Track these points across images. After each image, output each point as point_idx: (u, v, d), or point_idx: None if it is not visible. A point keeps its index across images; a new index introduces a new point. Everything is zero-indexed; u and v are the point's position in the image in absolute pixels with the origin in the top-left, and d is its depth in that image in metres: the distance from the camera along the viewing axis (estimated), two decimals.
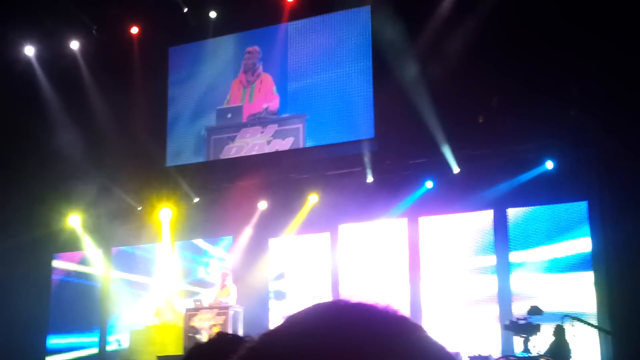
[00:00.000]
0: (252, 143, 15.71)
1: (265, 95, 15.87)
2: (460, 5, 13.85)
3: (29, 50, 16.80)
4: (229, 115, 16.07)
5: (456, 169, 13.91)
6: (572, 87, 12.87)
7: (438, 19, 14.04)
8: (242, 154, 15.71)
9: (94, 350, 16.61)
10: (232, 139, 15.90)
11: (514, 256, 13.49)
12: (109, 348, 16.44)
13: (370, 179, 14.66)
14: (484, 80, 13.34)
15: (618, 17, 12.41)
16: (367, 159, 14.52)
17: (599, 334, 12.19)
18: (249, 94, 16.03)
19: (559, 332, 11.29)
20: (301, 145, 15.24)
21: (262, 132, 15.69)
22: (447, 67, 13.55)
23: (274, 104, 15.72)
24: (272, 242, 15.50)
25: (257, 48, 16.06)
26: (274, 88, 15.80)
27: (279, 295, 15.20)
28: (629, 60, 12.19)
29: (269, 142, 15.58)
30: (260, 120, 15.77)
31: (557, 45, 12.78)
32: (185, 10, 16.03)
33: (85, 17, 16.08)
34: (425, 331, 0.91)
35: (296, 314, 0.93)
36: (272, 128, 15.61)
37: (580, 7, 12.66)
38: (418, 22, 14.08)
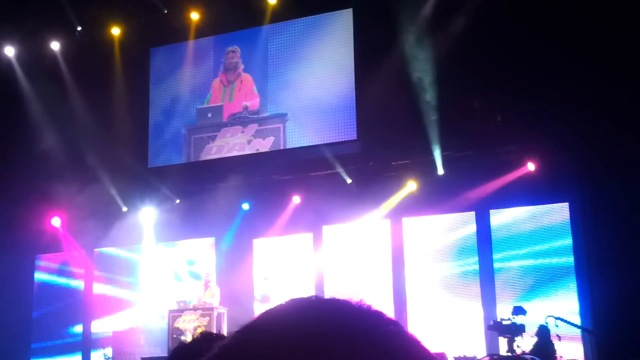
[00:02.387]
0: (232, 142, 15.74)
1: (246, 94, 15.90)
2: (442, 7, 13.93)
3: (9, 51, 16.68)
4: (209, 115, 16.08)
5: (441, 171, 14.04)
6: (551, 90, 13.01)
7: (421, 20, 14.14)
8: (223, 153, 15.74)
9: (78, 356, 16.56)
10: (213, 138, 15.93)
11: (497, 257, 13.65)
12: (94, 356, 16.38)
13: (348, 180, 14.76)
14: (466, 82, 13.46)
15: (599, 20, 12.56)
16: (342, 161, 14.63)
17: (582, 334, 12.37)
18: (229, 94, 16.06)
19: (543, 332, 11.43)
20: (282, 145, 15.29)
21: (242, 132, 15.72)
22: (430, 68, 13.68)
23: (254, 103, 15.76)
24: (256, 242, 15.54)
25: (237, 48, 16.09)
26: (254, 88, 15.83)
27: (263, 296, 15.27)
28: (611, 63, 12.36)
29: (249, 142, 15.62)
30: (240, 119, 15.80)
31: (538, 47, 12.93)
32: (165, 12, 15.99)
33: (71, 16, 15.96)
34: (400, 326, 0.91)
35: (269, 310, 0.93)
36: (253, 127, 15.65)
37: (562, 9, 12.81)
38: (401, 24, 14.16)
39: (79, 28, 16.38)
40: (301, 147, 15.10)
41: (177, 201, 16.02)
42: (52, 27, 16.42)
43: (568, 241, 13.12)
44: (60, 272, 17.15)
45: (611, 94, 12.41)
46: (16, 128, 16.55)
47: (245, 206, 15.57)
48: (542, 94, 13.03)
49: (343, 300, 0.92)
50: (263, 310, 0.95)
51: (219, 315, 13.83)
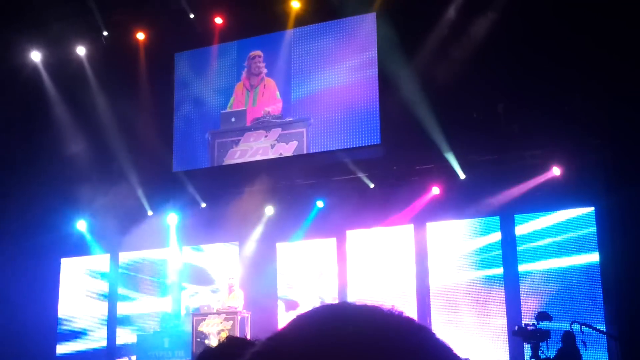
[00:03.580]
0: (256, 147, 15.78)
1: (269, 99, 15.93)
2: (466, 11, 13.91)
3: (36, 56, 16.84)
4: (233, 119, 16.13)
5: (462, 175, 13.98)
6: (576, 93, 12.94)
7: (444, 24, 14.12)
8: (246, 157, 15.77)
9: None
10: (236, 142, 15.98)
11: (521, 261, 13.53)
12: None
13: (371, 185, 14.74)
14: (490, 86, 13.43)
15: (623, 24, 12.48)
16: (366, 166, 14.63)
17: (607, 340, 12.27)
18: (253, 98, 16.09)
19: (568, 338, 11.35)
20: (305, 150, 15.29)
21: (265, 136, 15.75)
22: (454, 72, 13.62)
23: (277, 108, 15.79)
24: (280, 246, 15.57)
25: (260, 52, 16.12)
26: (277, 92, 15.86)
27: (287, 300, 15.29)
28: (635, 65, 12.28)
29: (272, 146, 15.64)
30: (263, 124, 15.83)
31: (563, 51, 12.86)
32: (192, 16, 16.06)
33: (97, 21, 16.09)
34: (432, 332, 0.91)
35: (302, 315, 0.93)
36: (276, 132, 15.68)
37: (585, 14, 12.74)
38: (424, 28, 14.15)
39: (105, 33, 16.49)
40: (324, 151, 15.09)
41: (203, 205, 16.05)
42: (78, 32, 16.56)
43: (594, 247, 12.98)
44: (86, 276, 17.25)
45: (637, 96, 12.31)
46: (42, 132, 16.73)
47: (269, 210, 15.59)
48: (567, 97, 12.95)
49: (374, 307, 0.93)
50: (292, 316, 0.94)
51: (243, 319, 13.87)
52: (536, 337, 11.35)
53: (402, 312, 0.93)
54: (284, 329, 0.92)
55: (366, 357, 0.84)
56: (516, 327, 11.89)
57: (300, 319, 0.93)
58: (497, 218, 13.88)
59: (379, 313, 0.91)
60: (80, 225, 16.72)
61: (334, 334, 0.87)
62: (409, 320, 0.92)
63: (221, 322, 13.80)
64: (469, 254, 14.02)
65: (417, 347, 0.88)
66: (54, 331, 17.02)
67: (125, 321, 16.50)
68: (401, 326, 0.90)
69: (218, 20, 16.16)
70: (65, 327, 17.04)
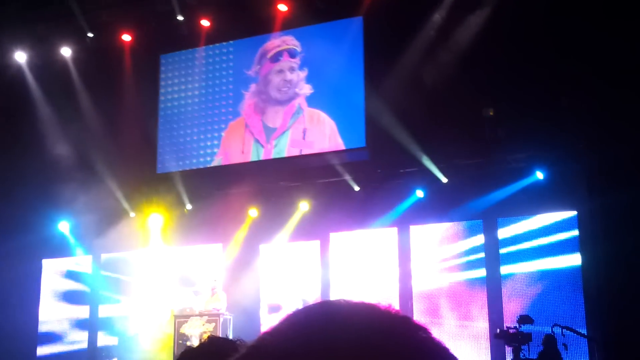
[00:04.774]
0: (241, 149, 15.72)
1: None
2: (452, 16, 13.94)
3: (20, 57, 16.75)
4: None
5: (444, 179, 13.98)
6: (561, 97, 12.97)
7: (430, 28, 14.14)
8: (231, 160, 15.73)
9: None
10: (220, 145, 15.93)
11: (504, 265, 13.56)
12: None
13: (356, 187, 14.72)
14: (475, 91, 13.43)
15: (610, 31, 12.51)
16: (351, 169, 14.60)
17: (589, 343, 12.27)
18: None
19: (549, 341, 11.35)
20: (291, 152, 15.27)
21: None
22: (439, 76, 13.64)
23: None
24: (263, 247, 15.52)
25: None
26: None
27: (269, 302, 15.23)
28: (620, 72, 12.31)
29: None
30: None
31: (548, 57, 12.90)
32: (181, 18, 15.96)
33: (82, 23, 16.01)
34: (428, 331, 0.91)
35: (296, 312, 0.92)
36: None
37: (571, 20, 12.77)
38: (410, 32, 14.17)
39: (90, 34, 16.42)
40: (309, 154, 15.07)
41: (189, 207, 15.97)
42: (63, 33, 16.48)
43: (576, 250, 13.02)
44: (67, 277, 17.15)
45: (621, 101, 12.34)
46: (26, 133, 16.63)
47: (253, 213, 15.54)
48: (552, 102, 12.98)
49: (371, 304, 0.92)
50: (275, 319, 0.93)
51: (225, 321, 13.80)
52: (518, 340, 11.34)
53: (398, 311, 0.92)
54: (281, 323, 0.91)
55: (364, 355, 0.84)
56: (498, 330, 11.88)
57: (298, 314, 0.92)
58: (480, 221, 13.89)
59: (376, 311, 0.91)
60: (62, 226, 16.63)
61: (331, 331, 0.86)
62: (406, 318, 0.92)
63: (203, 324, 13.73)
64: (452, 257, 14.01)
65: (415, 345, 0.88)
66: (34, 333, 16.89)
67: (107, 323, 16.40)
68: (398, 324, 0.90)
69: (205, 23, 16.11)
70: (45, 328, 16.92)
